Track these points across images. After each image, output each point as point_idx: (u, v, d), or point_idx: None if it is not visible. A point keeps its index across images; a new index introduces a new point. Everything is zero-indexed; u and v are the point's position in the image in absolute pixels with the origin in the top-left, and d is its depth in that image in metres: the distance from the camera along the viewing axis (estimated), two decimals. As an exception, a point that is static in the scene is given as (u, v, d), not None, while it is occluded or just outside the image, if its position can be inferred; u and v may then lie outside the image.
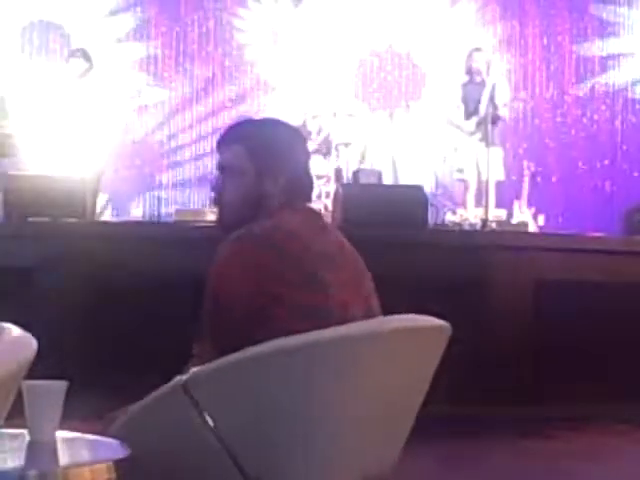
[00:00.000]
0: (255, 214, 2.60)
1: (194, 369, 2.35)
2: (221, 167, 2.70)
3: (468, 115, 8.67)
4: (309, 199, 2.76)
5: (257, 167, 2.63)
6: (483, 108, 8.46)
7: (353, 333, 2.37)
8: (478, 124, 8.51)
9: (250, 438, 2.32)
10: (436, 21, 10.85)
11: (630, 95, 11.15)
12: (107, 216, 8.81)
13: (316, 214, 2.81)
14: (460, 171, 8.89)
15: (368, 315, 2.59)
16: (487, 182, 8.22)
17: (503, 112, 8.56)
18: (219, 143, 2.72)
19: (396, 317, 2.48)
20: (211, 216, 7.26)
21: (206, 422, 2.30)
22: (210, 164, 10.47)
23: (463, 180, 8.91)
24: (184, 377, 2.31)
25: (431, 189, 9.63)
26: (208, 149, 10.57)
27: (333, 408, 2.35)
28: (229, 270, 2.50)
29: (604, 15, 11.08)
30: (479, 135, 8.50)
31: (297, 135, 2.83)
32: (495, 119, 8.37)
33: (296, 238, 2.56)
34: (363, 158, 9.55)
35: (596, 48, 11.12)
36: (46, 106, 8.56)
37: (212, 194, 2.74)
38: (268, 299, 2.46)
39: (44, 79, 9.81)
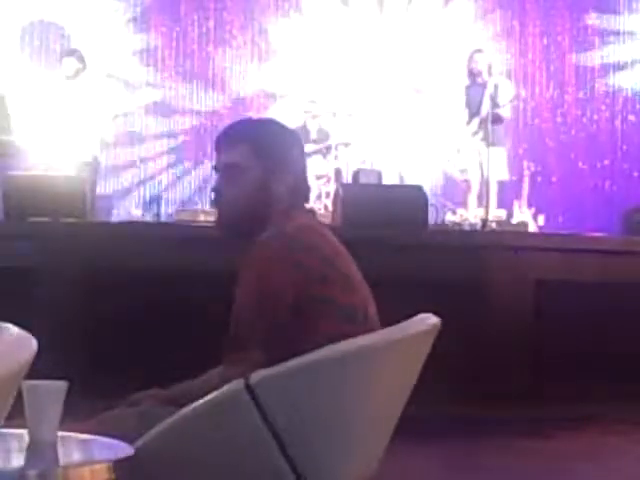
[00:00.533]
0: (260, 215, 2.57)
1: (257, 372, 2.30)
2: (222, 167, 2.63)
3: (471, 116, 8.67)
4: (308, 200, 2.76)
5: (264, 167, 2.58)
6: (485, 108, 8.46)
7: (398, 336, 2.41)
8: (480, 124, 8.51)
9: (307, 441, 2.33)
10: (436, 21, 10.85)
11: (630, 95, 11.14)
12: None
13: (315, 214, 2.82)
14: (463, 171, 8.89)
15: (376, 313, 2.62)
16: (487, 182, 8.21)
17: (504, 112, 8.56)
18: (221, 142, 2.65)
19: (414, 320, 2.51)
20: (211, 216, 7.27)
21: (269, 425, 2.29)
22: (210, 164, 10.48)
23: (466, 180, 8.92)
24: (248, 380, 2.27)
25: (431, 189, 9.62)
26: (208, 149, 10.57)
27: (367, 409, 2.39)
28: (271, 272, 2.44)
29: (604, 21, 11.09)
30: (481, 135, 8.50)
31: (296, 135, 2.82)
32: (496, 119, 8.38)
33: (326, 239, 2.56)
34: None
35: (596, 48, 11.12)
36: (44, 105, 8.56)
37: (212, 194, 2.68)
38: (311, 300, 2.45)
39: (44, 79, 9.80)
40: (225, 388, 2.31)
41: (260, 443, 2.31)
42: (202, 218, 7.55)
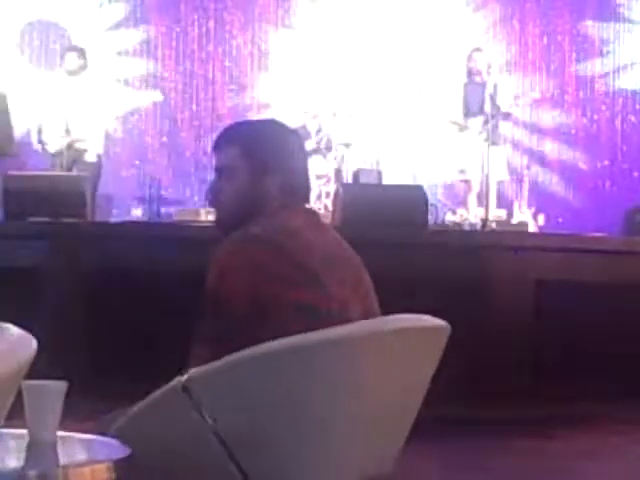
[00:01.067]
0: (252, 214, 2.60)
1: (194, 369, 2.35)
2: (217, 169, 2.70)
3: (471, 115, 8.67)
4: (307, 200, 2.77)
5: (253, 168, 2.63)
6: (487, 107, 8.46)
7: (354, 333, 2.37)
8: (485, 123, 8.50)
9: (250, 438, 2.32)
10: (436, 21, 10.85)
11: (630, 95, 11.14)
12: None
13: (315, 214, 2.81)
14: (462, 172, 8.89)
15: (366, 314, 2.60)
16: (487, 182, 8.21)
17: (513, 110, 8.58)
18: (215, 145, 2.72)
19: (397, 317, 2.48)
20: (211, 216, 7.27)
21: (206, 422, 2.30)
22: (210, 164, 10.48)
23: (465, 181, 8.92)
24: (184, 377, 2.31)
25: (431, 189, 9.62)
26: (208, 149, 10.56)
27: (332, 408, 2.35)
28: (229, 271, 2.49)
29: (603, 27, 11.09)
30: (485, 135, 8.49)
31: (294, 135, 2.82)
32: (505, 116, 8.40)
33: (297, 237, 2.56)
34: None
35: (597, 48, 11.12)
36: (45, 105, 8.57)
37: (209, 196, 2.74)
38: (269, 299, 2.46)
39: (44, 78, 9.81)
40: (165, 386, 2.33)
41: (201, 440, 2.31)
42: (202, 218, 7.54)
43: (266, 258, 2.48)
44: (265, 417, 2.32)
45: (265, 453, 2.33)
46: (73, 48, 8.62)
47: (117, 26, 10.56)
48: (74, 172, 7.97)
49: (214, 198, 2.71)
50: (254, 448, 2.32)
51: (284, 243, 2.53)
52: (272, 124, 2.82)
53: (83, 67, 8.45)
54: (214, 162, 2.74)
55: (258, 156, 2.64)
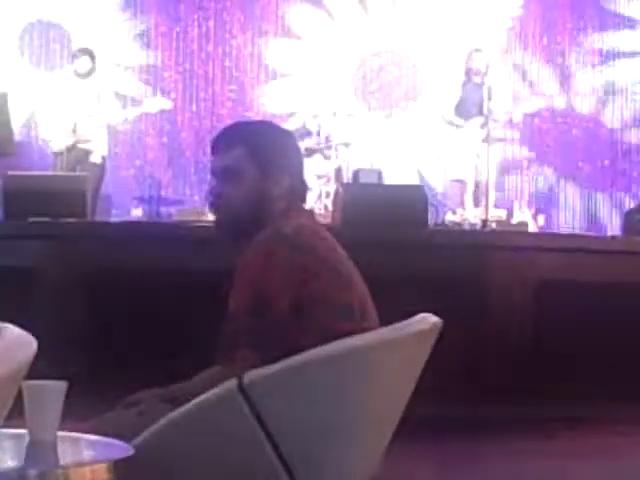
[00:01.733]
0: (260, 216, 2.60)
1: (251, 373, 2.32)
2: (221, 170, 2.66)
3: (468, 115, 8.67)
4: (305, 200, 2.79)
5: (260, 169, 2.62)
6: (485, 108, 8.47)
7: (394, 336, 2.43)
8: (482, 125, 8.51)
9: (301, 441, 2.34)
10: (436, 21, 10.85)
11: (630, 95, 11.14)
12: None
13: (314, 214, 2.85)
14: (457, 172, 8.90)
15: (375, 313, 2.62)
16: (487, 182, 8.22)
17: (516, 115, 8.60)
18: (217, 145, 2.70)
19: (415, 319, 2.53)
20: (211, 216, 7.26)
21: (263, 426, 2.30)
22: (210, 164, 10.46)
23: (460, 181, 8.92)
24: (242, 380, 2.30)
25: (431, 189, 9.62)
26: (208, 149, 10.55)
27: (364, 409, 2.41)
28: (267, 272, 2.47)
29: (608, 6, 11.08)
30: (482, 136, 8.50)
31: (291, 136, 2.85)
32: (508, 124, 8.41)
33: (321, 238, 2.60)
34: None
35: (596, 47, 11.12)
36: (46, 104, 8.57)
37: (210, 198, 2.71)
38: (309, 300, 2.47)
39: (44, 79, 9.81)
40: (218, 388, 2.32)
41: (253, 443, 2.32)
42: (202, 218, 7.54)
43: (302, 259, 2.49)
44: (318, 420, 2.35)
45: (313, 455, 2.35)
46: (85, 51, 8.61)
47: (117, 26, 10.55)
48: (77, 172, 7.97)
49: (217, 200, 2.67)
50: (304, 450, 2.34)
51: (316, 244, 2.55)
52: (271, 125, 2.85)
53: (92, 70, 8.48)
54: (214, 163, 2.71)
55: (264, 157, 2.63)
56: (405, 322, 2.54)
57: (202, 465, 2.34)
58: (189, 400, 2.38)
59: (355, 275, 2.62)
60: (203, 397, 2.33)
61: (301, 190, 2.72)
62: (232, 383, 2.31)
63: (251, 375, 2.31)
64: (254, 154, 2.61)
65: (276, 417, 2.31)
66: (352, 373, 2.35)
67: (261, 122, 2.99)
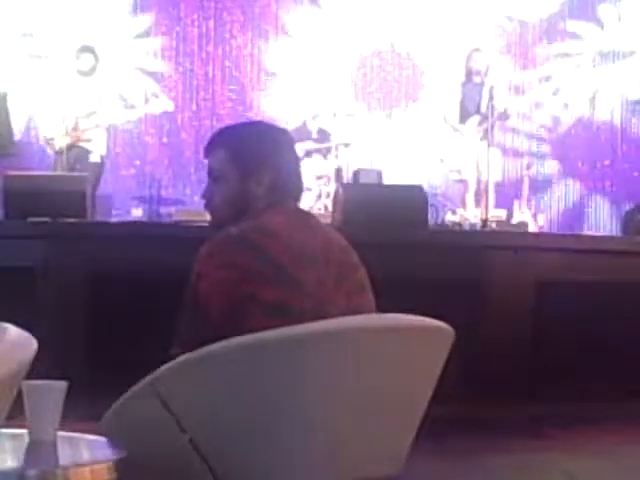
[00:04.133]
0: (240, 216, 2.66)
1: (163, 366, 2.39)
2: (208, 173, 2.78)
3: (467, 115, 8.68)
4: (298, 199, 2.79)
5: (239, 170, 2.69)
6: (484, 108, 8.47)
7: (328, 329, 2.38)
8: (480, 123, 8.51)
9: (216, 436, 2.33)
10: (436, 21, 10.85)
11: (630, 95, 11.14)
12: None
13: (303, 213, 2.82)
14: (457, 172, 8.90)
15: (350, 312, 2.58)
16: (487, 182, 8.22)
17: (510, 110, 8.59)
18: (204, 150, 2.80)
19: (389, 315, 2.50)
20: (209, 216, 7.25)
21: (175, 420, 2.31)
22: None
23: (461, 181, 8.92)
24: (151, 376, 2.35)
25: (431, 189, 9.62)
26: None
27: (296, 406, 2.34)
28: (206, 270, 2.56)
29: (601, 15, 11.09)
30: (481, 135, 8.50)
31: (283, 135, 2.84)
32: (502, 117, 8.40)
33: (274, 237, 2.58)
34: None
35: (596, 47, 11.12)
36: (48, 105, 8.57)
37: (203, 199, 2.81)
38: (243, 297, 2.49)
39: (45, 77, 9.81)
40: (135, 386, 2.38)
41: (174, 442, 2.32)
42: (202, 218, 7.53)
43: (241, 258, 2.53)
44: (229, 414, 2.32)
45: (232, 451, 2.33)
46: (88, 49, 8.62)
47: (117, 26, 10.56)
48: (76, 172, 7.97)
49: (207, 201, 2.79)
50: (220, 446, 2.32)
51: (260, 242, 2.55)
52: (258, 125, 2.92)
53: (95, 68, 8.49)
54: (208, 164, 2.80)
55: (242, 158, 2.70)
56: (352, 317, 2.50)
57: (132, 461, 2.32)
58: None
59: (316, 275, 2.57)
60: (124, 395, 2.41)
61: (291, 188, 2.74)
62: (147, 379, 2.36)
63: (159, 371, 2.36)
64: (233, 156, 2.70)
65: (186, 411, 2.32)
66: (258, 367, 2.31)
67: (249, 123, 3.12)
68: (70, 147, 8.25)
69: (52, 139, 8.39)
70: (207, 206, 2.81)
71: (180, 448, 2.32)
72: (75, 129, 8.29)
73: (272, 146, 2.75)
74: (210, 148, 2.78)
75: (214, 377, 2.34)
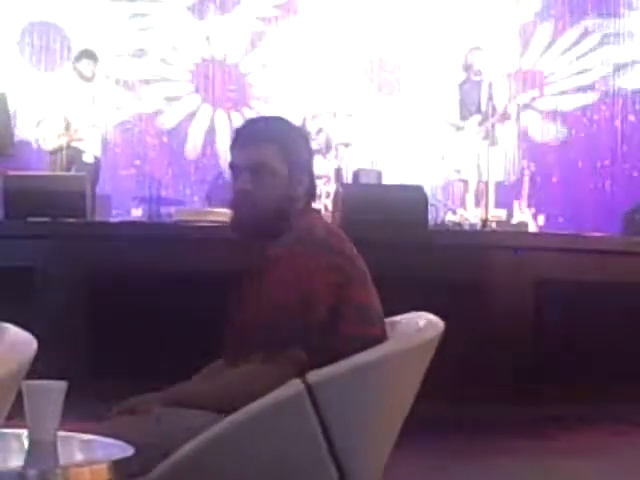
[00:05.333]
0: (281, 216, 2.58)
1: (316, 371, 2.33)
2: (248, 166, 2.58)
3: (467, 114, 8.68)
4: (316, 201, 2.80)
5: (289, 167, 2.59)
6: (484, 106, 8.48)
7: (420, 340, 2.53)
8: (481, 123, 8.51)
9: (352, 440, 2.36)
10: (435, 20, 10.85)
11: (630, 95, 11.14)
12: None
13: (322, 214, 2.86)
14: (457, 172, 8.90)
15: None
16: (487, 182, 8.22)
17: (510, 110, 8.59)
18: (248, 140, 2.61)
19: (424, 323, 2.58)
20: (211, 216, 7.26)
21: (322, 425, 2.31)
22: (210, 164, 10.48)
23: (462, 180, 8.92)
24: (308, 381, 2.31)
25: (431, 189, 9.62)
26: (208, 149, 10.57)
27: (391, 409, 2.49)
28: (312, 274, 2.47)
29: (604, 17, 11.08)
30: (482, 134, 8.50)
31: (308, 137, 2.85)
32: (503, 117, 8.40)
33: (344, 240, 2.61)
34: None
35: (596, 46, 11.12)
36: (47, 105, 8.58)
37: (238, 195, 2.60)
38: (342, 301, 2.48)
39: (44, 79, 9.81)
40: (282, 390, 2.31)
41: (310, 443, 2.32)
42: (202, 218, 7.54)
43: (337, 262, 2.50)
44: (370, 419, 2.39)
45: (359, 453, 2.38)
46: (89, 55, 8.59)
47: (116, 26, 10.55)
48: (72, 172, 7.97)
49: (246, 196, 2.58)
50: (353, 449, 2.36)
51: (341, 246, 2.56)
52: (291, 123, 2.76)
53: (95, 74, 8.50)
54: (238, 158, 2.62)
55: (293, 156, 2.59)
56: (415, 324, 2.57)
57: (258, 470, 2.33)
58: (215, 401, 2.40)
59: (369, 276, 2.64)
60: (265, 399, 2.30)
61: (315, 190, 2.74)
62: (297, 384, 2.31)
63: (316, 376, 2.32)
64: (285, 153, 2.57)
65: (335, 417, 2.32)
66: (391, 375, 2.42)
67: (284, 119, 2.81)
68: (63, 148, 8.25)
69: (45, 140, 8.39)
70: (242, 203, 2.59)
71: (316, 452, 2.32)
72: (67, 129, 8.29)
73: (308, 146, 2.72)
74: (257, 140, 2.58)
75: (369, 386, 2.38)
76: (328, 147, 9.20)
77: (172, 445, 2.32)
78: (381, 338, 2.52)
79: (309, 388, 2.30)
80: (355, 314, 2.50)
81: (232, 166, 2.63)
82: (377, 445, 2.44)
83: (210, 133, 10.64)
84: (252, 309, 2.54)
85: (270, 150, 2.57)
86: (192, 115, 10.69)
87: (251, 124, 2.71)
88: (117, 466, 1.93)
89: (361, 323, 2.50)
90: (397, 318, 2.68)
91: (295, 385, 2.31)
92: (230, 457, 2.30)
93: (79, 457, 2.12)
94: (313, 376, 2.31)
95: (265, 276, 2.52)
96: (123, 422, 2.43)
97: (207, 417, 2.39)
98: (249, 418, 2.31)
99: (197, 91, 10.76)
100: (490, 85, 8.55)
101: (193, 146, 10.65)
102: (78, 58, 8.63)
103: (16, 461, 2.00)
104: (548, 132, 10.96)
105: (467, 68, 8.80)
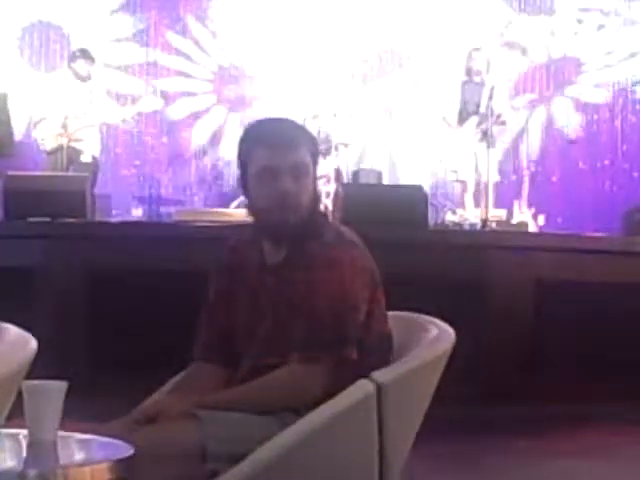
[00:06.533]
0: (316, 215, 2.63)
1: (380, 371, 2.36)
2: (293, 167, 2.56)
3: (467, 115, 8.68)
4: None
5: (315, 169, 2.64)
6: (483, 108, 8.48)
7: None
8: (479, 124, 8.51)
9: (399, 442, 2.38)
10: (436, 20, 10.85)
11: (630, 95, 11.14)
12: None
13: None
14: (455, 172, 8.90)
15: None
16: (487, 182, 8.21)
17: (506, 114, 8.58)
18: (285, 143, 2.57)
19: (444, 333, 2.59)
20: (211, 216, 7.27)
21: (380, 426, 2.32)
22: (209, 164, 10.48)
23: (460, 181, 8.92)
24: (377, 380, 2.33)
25: (431, 189, 9.63)
26: (208, 149, 10.57)
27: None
28: (353, 276, 2.51)
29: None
30: (479, 135, 8.50)
31: None
32: (498, 121, 8.40)
33: (360, 243, 2.65)
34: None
35: (596, 47, 11.12)
36: (47, 105, 8.57)
37: (287, 196, 2.55)
38: (374, 301, 2.55)
39: (44, 80, 9.81)
40: (352, 391, 2.30)
41: (365, 445, 2.32)
42: (202, 218, 7.54)
43: (367, 263, 2.58)
44: (412, 421, 2.44)
45: (400, 454, 2.41)
46: (85, 55, 8.59)
47: (117, 26, 10.55)
48: (71, 172, 7.97)
49: (289, 199, 2.55)
50: (398, 450, 2.39)
51: (365, 248, 2.61)
52: None
53: (91, 75, 8.50)
54: (279, 160, 2.56)
55: (317, 157, 2.66)
56: (438, 333, 2.59)
57: (330, 472, 2.31)
58: (257, 403, 2.42)
59: None
60: (335, 402, 2.28)
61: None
62: (366, 384, 2.31)
63: (382, 375, 2.33)
64: (314, 155, 2.63)
65: (393, 418, 2.33)
66: (438, 373, 2.52)
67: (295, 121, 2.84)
68: (61, 148, 8.24)
69: (43, 139, 8.38)
70: (288, 200, 2.54)
71: (368, 455, 2.32)
72: (64, 129, 8.29)
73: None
74: (293, 141, 2.58)
75: (423, 385, 2.43)
76: (328, 147, 9.20)
77: (225, 447, 2.32)
78: (391, 335, 2.60)
79: (379, 388, 2.31)
80: (379, 313, 2.58)
81: (267, 168, 2.57)
82: (407, 445, 2.47)
83: (210, 133, 10.64)
84: (288, 311, 2.53)
85: (306, 152, 2.60)
86: (192, 115, 10.70)
87: (287, 126, 2.68)
88: (117, 465, 1.92)
89: (383, 322, 2.59)
90: (392, 313, 2.69)
91: (365, 385, 2.31)
92: (306, 461, 2.27)
93: (79, 457, 2.12)
94: (380, 376, 2.32)
95: (304, 277, 2.52)
96: (161, 429, 2.39)
97: (250, 419, 2.40)
98: (324, 420, 2.28)
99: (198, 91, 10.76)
100: (492, 88, 8.54)
101: (193, 146, 10.66)
102: (73, 58, 8.62)
103: (16, 461, 2.00)
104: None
105: (468, 69, 8.80)
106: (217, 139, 10.59)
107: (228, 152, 10.12)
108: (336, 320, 2.46)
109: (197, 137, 10.68)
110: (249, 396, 2.47)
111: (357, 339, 2.48)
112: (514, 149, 10.61)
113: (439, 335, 2.54)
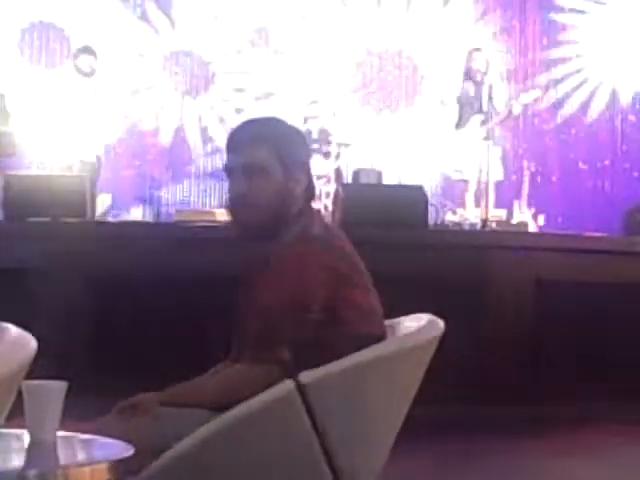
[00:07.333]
0: (281, 216, 2.58)
1: (308, 372, 2.32)
2: (245, 167, 2.58)
3: (468, 115, 8.68)
4: (315, 200, 2.80)
5: (283, 168, 2.58)
6: (485, 106, 8.48)
7: (419, 340, 2.52)
8: (483, 123, 8.51)
9: (347, 440, 2.36)
10: (435, 20, 10.85)
11: (630, 95, 11.14)
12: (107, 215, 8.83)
13: (322, 214, 2.87)
14: (458, 171, 8.90)
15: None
16: (487, 182, 8.21)
17: (515, 109, 8.58)
18: (241, 142, 2.61)
19: (426, 324, 2.57)
20: (211, 216, 7.26)
21: (315, 425, 2.31)
22: (209, 164, 10.48)
23: (463, 180, 8.92)
24: (299, 381, 2.30)
25: (431, 189, 9.62)
26: (208, 149, 10.56)
27: (388, 408, 2.50)
28: (303, 274, 2.48)
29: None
30: (483, 134, 8.50)
31: (305, 137, 2.86)
32: (503, 118, 8.40)
33: (343, 239, 2.62)
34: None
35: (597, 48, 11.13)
36: (47, 105, 8.57)
37: (233, 196, 2.61)
38: (338, 301, 2.49)
39: (44, 79, 9.80)
40: (274, 389, 2.31)
41: (303, 444, 2.32)
42: (202, 218, 7.54)
43: (332, 260, 2.51)
44: (365, 420, 2.39)
45: (355, 455, 2.38)
46: (88, 51, 8.60)
47: (117, 26, 10.55)
48: (73, 172, 7.98)
49: (241, 197, 2.59)
50: (351, 450, 2.37)
51: (341, 245, 2.57)
52: (288, 124, 2.76)
53: (95, 70, 8.50)
54: (233, 161, 2.62)
55: (287, 156, 2.59)
56: (416, 325, 2.56)
57: (248, 470, 2.33)
58: (205, 400, 2.42)
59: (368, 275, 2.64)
60: (256, 399, 2.30)
61: (314, 190, 2.73)
62: (289, 384, 2.30)
63: (308, 376, 2.31)
64: (279, 153, 2.58)
65: (328, 418, 2.32)
66: (385, 375, 2.42)
67: (280, 121, 2.79)
68: (62, 148, 8.25)
69: (44, 139, 8.39)
70: (239, 204, 2.59)
71: (309, 451, 2.32)
72: (66, 129, 8.29)
73: (305, 146, 2.75)
74: (251, 142, 2.58)
75: (364, 386, 2.38)
76: (327, 147, 9.21)
77: (168, 444, 2.32)
78: (380, 338, 2.52)
79: (301, 388, 2.29)
80: (353, 314, 2.50)
81: (226, 169, 2.64)
82: (373, 446, 2.44)
83: (209, 133, 10.64)
84: (250, 310, 2.55)
85: (262, 151, 2.57)
86: (192, 115, 10.70)
87: (243, 126, 2.68)
88: (117, 465, 1.93)
89: (359, 323, 2.51)
90: (399, 319, 2.68)
91: (286, 385, 2.30)
92: (221, 456, 2.29)
93: (79, 457, 2.12)
94: (305, 376, 2.31)
95: (262, 276, 2.54)
96: (121, 421, 2.43)
97: (203, 416, 2.39)
98: (239, 418, 2.31)
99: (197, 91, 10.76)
100: (490, 86, 8.55)
101: (194, 146, 10.66)
102: (76, 54, 8.64)
103: (16, 461, 2.00)
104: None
105: (468, 69, 8.81)
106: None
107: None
108: (279, 319, 2.46)
109: (197, 138, 10.68)
110: (204, 393, 2.50)
111: (300, 339, 2.43)
112: (514, 148, 10.62)
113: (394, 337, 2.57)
